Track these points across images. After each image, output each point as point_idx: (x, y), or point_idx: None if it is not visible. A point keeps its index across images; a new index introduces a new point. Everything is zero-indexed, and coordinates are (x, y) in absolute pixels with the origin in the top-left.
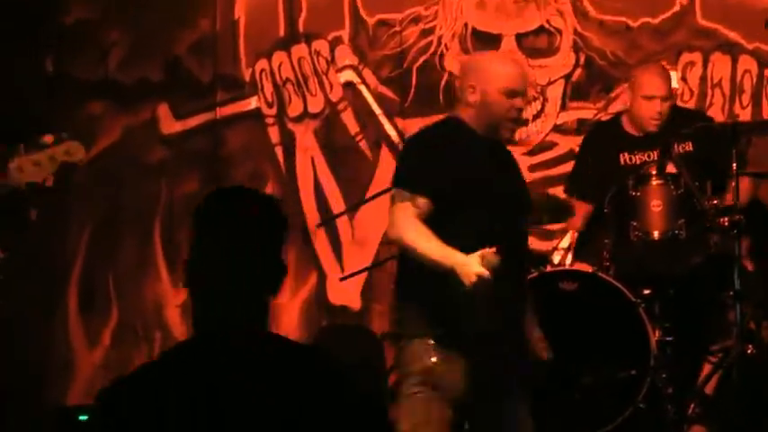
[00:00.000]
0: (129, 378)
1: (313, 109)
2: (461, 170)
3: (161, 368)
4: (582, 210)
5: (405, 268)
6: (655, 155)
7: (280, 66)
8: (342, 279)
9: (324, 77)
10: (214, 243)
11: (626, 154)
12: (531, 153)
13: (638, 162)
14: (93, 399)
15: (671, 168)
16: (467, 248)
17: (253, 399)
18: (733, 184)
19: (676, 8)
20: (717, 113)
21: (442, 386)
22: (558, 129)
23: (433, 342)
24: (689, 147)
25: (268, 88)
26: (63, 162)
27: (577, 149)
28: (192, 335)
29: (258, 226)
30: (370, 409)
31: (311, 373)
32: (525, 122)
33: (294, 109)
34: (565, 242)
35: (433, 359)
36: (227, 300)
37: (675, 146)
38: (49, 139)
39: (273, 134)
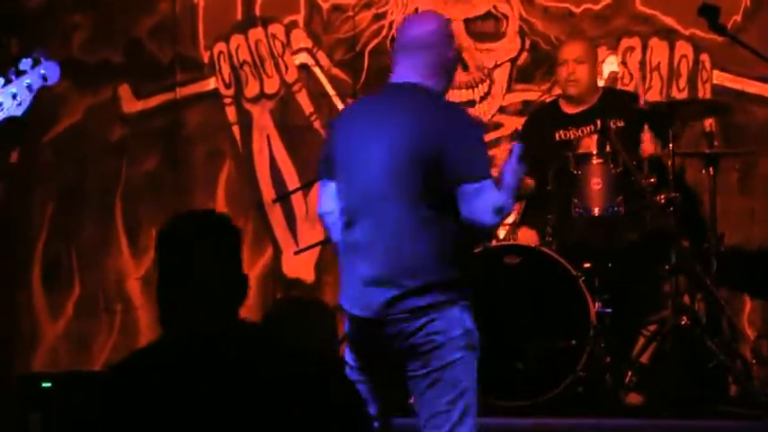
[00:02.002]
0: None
1: (269, 90)
2: None
3: (142, 366)
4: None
5: (446, 241)
6: (587, 130)
7: (237, 48)
8: (296, 253)
9: (279, 60)
10: (181, 265)
11: (561, 131)
12: None
13: (571, 137)
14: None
15: (609, 147)
16: None
17: (229, 397)
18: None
19: None
20: (655, 96)
21: (477, 348)
22: (503, 110)
23: (467, 306)
24: (621, 123)
25: (226, 70)
26: (40, 88)
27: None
28: (162, 337)
29: (217, 245)
30: (351, 411)
31: (295, 375)
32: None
33: (251, 90)
34: (510, 218)
35: (471, 322)
36: (200, 314)
37: (610, 123)
38: (26, 64)
39: (231, 114)
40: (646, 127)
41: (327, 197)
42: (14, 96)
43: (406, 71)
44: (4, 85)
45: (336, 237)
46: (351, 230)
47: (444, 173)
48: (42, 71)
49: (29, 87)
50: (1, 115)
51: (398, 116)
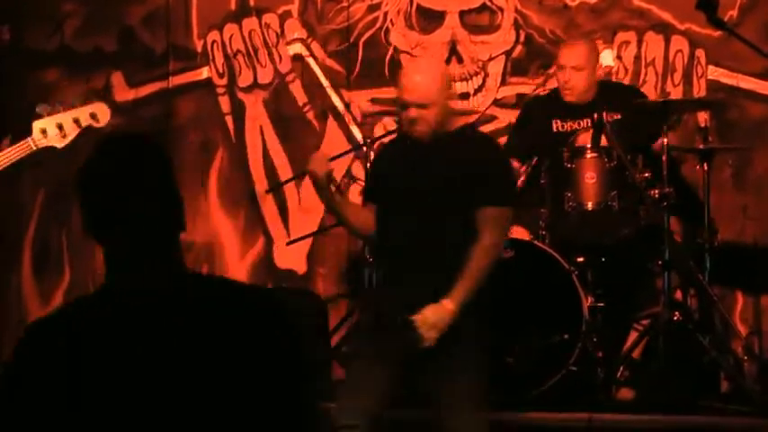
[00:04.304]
0: (48, 322)
1: (263, 80)
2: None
3: (84, 311)
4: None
5: None
6: (585, 123)
7: (231, 38)
8: (288, 243)
9: (273, 50)
10: (111, 197)
11: (558, 121)
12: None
13: (569, 129)
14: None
15: (604, 142)
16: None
17: (181, 339)
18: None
19: None
20: (650, 91)
21: None
22: (497, 103)
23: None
24: (617, 116)
25: (219, 59)
26: (87, 127)
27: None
28: (108, 281)
29: (147, 170)
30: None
31: (242, 311)
32: (413, 125)
33: (244, 79)
34: None
35: None
36: (140, 245)
37: (605, 115)
38: (74, 98)
39: (224, 103)
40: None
41: None
42: (60, 127)
43: None
44: (50, 113)
45: None
46: None
47: None
48: (92, 111)
49: (76, 122)
50: (43, 143)
51: None
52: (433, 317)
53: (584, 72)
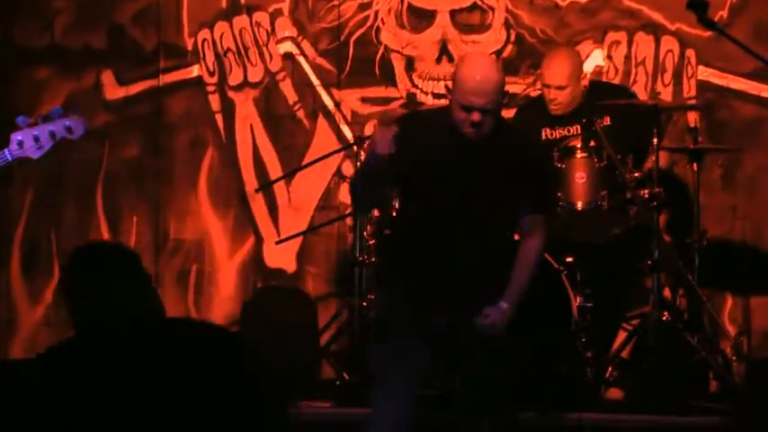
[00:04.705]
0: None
1: (253, 78)
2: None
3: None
4: None
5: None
6: (574, 130)
7: (221, 36)
8: (278, 242)
9: (264, 48)
10: (96, 292)
11: (547, 129)
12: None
13: (557, 137)
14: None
15: (594, 142)
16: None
17: (144, 381)
18: (653, 157)
19: None
20: (640, 91)
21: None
22: None
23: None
24: (607, 121)
25: (210, 57)
26: (62, 139)
27: None
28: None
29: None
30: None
31: (203, 353)
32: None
33: (235, 78)
34: None
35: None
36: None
37: (595, 120)
38: (54, 110)
39: (214, 102)
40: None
41: None
42: (36, 139)
43: None
44: (30, 126)
45: None
46: None
47: None
48: (68, 123)
49: (51, 135)
50: (18, 153)
51: None
52: (496, 316)
53: (567, 89)
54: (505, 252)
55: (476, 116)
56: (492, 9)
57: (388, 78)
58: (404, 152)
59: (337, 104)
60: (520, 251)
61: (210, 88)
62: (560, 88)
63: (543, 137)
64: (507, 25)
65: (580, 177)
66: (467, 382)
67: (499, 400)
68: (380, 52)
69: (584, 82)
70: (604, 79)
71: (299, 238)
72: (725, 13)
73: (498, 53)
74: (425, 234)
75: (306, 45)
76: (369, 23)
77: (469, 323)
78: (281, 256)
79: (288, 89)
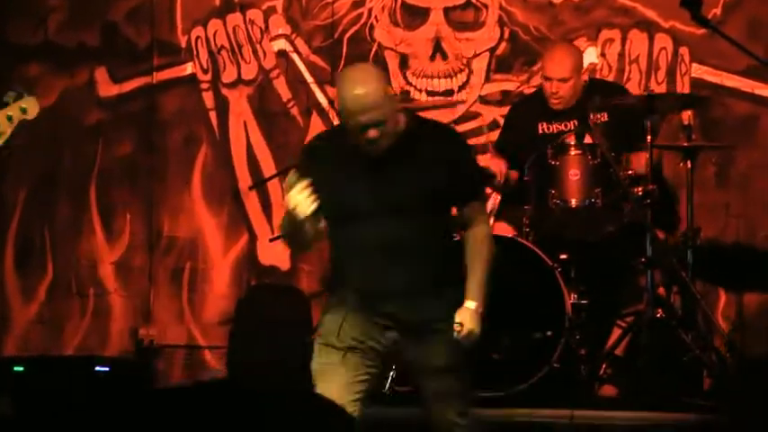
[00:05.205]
0: None
1: (247, 76)
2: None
3: None
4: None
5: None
6: (571, 125)
7: (215, 33)
8: (272, 240)
9: (258, 46)
10: None
11: (544, 123)
12: (456, 122)
13: (554, 131)
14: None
15: (588, 139)
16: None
17: None
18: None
19: None
20: (634, 89)
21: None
22: (482, 100)
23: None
24: (604, 117)
25: (203, 55)
26: (20, 121)
27: (501, 120)
28: None
29: None
30: None
31: None
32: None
33: (228, 75)
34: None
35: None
36: None
37: (592, 116)
38: (10, 96)
39: (208, 99)
40: None
41: None
42: None
43: None
44: None
45: None
46: None
47: None
48: (23, 105)
49: (9, 119)
50: None
51: None
52: (470, 323)
53: (570, 81)
54: (448, 252)
55: (371, 134)
56: (486, 6)
57: None
58: (315, 182)
59: (331, 102)
60: (468, 244)
61: (204, 86)
62: (563, 80)
63: (539, 131)
64: (501, 23)
65: (574, 174)
66: (427, 378)
67: (463, 386)
68: (374, 50)
69: (585, 77)
70: (598, 77)
71: None
72: (718, 11)
73: (492, 51)
74: (357, 256)
75: (299, 42)
76: (362, 21)
77: (427, 332)
78: (275, 254)
79: (282, 86)
